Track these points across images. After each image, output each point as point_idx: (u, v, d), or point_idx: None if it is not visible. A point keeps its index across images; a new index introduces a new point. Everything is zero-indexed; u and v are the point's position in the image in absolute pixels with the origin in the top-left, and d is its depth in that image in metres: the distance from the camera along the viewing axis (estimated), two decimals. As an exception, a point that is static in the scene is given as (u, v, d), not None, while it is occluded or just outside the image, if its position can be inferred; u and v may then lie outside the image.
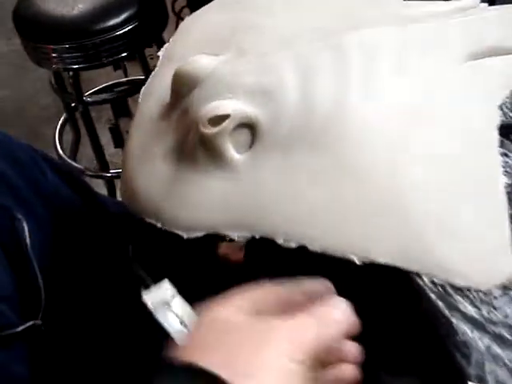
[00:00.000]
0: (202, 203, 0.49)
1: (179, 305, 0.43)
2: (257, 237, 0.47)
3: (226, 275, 0.76)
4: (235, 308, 0.41)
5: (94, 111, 1.67)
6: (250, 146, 0.50)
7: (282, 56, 0.51)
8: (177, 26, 1.77)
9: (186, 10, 1.67)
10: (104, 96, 1.58)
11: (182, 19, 1.77)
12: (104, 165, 1.62)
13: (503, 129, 0.54)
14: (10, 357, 0.60)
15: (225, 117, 0.48)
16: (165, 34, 1.48)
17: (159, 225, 0.50)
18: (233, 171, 0.50)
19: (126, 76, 1.91)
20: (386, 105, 0.51)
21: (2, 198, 0.65)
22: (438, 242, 0.46)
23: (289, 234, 0.47)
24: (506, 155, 0.53)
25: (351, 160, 0.49)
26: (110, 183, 1.69)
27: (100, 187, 1.69)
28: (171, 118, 0.53)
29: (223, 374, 0.36)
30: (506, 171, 0.51)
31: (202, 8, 0.68)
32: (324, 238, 0.46)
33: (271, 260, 0.56)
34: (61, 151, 1.62)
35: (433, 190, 0.48)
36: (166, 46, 0.64)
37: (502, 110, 0.57)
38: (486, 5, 0.62)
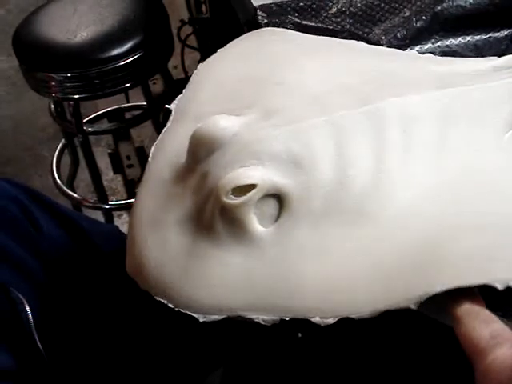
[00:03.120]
0: (221, 282, 0.44)
1: None
2: (287, 319, 0.42)
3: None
4: None
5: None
6: (276, 219, 0.45)
7: (315, 122, 0.46)
8: (182, 54, 1.75)
9: (193, 38, 1.64)
10: (104, 126, 1.53)
11: (188, 46, 1.75)
12: (102, 195, 1.57)
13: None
14: None
15: (250, 186, 0.43)
16: (170, 63, 1.44)
17: (171, 305, 0.45)
18: (257, 246, 0.44)
19: (127, 98, 1.87)
20: (426, 183, 0.46)
21: None
22: None
23: (326, 312, 0.42)
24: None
25: (388, 238, 0.44)
26: (107, 213, 1.64)
27: (98, 216, 1.65)
28: (187, 182, 0.48)
29: None
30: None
31: (216, 54, 0.63)
32: (366, 307, 0.41)
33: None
34: (58, 180, 1.57)
35: None
36: (178, 98, 0.58)
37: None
38: None
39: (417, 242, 0.43)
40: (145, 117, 1.47)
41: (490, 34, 0.71)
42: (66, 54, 1.27)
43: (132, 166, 1.89)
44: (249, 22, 0.78)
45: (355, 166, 0.45)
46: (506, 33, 0.71)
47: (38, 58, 1.30)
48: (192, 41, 1.78)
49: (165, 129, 0.55)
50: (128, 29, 1.30)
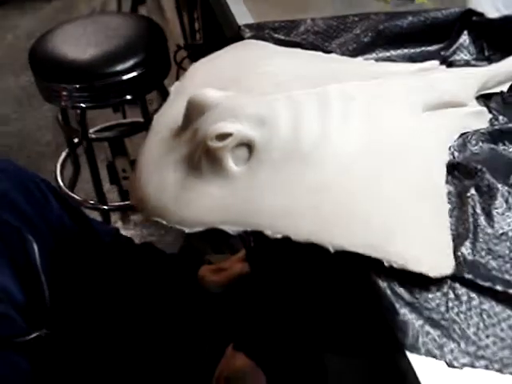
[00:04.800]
0: (204, 205, 0.60)
1: None
2: (248, 230, 0.58)
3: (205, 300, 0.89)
4: None
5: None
6: (247, 161, 0.62)
7: (278, 96, 0.64)
8: (177, 76, 1.92)
9: (187, 61, 1.79)
10: (107, 134, 1.69)
11: (183, 69, 1.92)
12: (102, 198, 1.73)
13: (449, 166, 0.67)
14: (19, 358, 0.69)
15: (228, 135, 0.60)
16: (166, 82, 1.62)
17: (165, 222, 0.60)
18: (231, 180, 0.61)
19: (125, 118, 2.03)
20: (358, 141, 0.64)
21: (12, 219, 0.74)
22: (397, 238, 0.58)
23: (275, 227, 0.58)
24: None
25: (330, 176, 0.61)
26: (105, 215, 1.80)
27: (96, 217, 1.79)
28: (182, 137, 0.65)
29: None
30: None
31: (209, 56, 0.82)
32: (305, 230, 0.57)
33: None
34: (61, 183, 1.72)
35: (394, 198, 0.61)
36: (176, 83, 0.76)
37: (450, 150, 0.69)
38: (444, 67, 0.77)
39: (351, 193, 0.61)
40: (142, 128, 1.62)
41: (423, 48, 0.89)
42: (76, 67, 1.44)
43: (127, 178, 2.03)
44: (234, 37, 0.96)
45: (307, 126, 0.63)
46: (436, 47, 0.89)
47: (51, 70, 1.46)
48: (187, 64, 1.94)
49: (165, 103, 0.73)
50: (131, 48, 1.48)
